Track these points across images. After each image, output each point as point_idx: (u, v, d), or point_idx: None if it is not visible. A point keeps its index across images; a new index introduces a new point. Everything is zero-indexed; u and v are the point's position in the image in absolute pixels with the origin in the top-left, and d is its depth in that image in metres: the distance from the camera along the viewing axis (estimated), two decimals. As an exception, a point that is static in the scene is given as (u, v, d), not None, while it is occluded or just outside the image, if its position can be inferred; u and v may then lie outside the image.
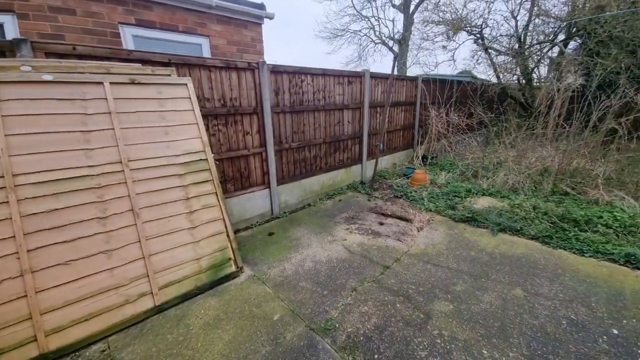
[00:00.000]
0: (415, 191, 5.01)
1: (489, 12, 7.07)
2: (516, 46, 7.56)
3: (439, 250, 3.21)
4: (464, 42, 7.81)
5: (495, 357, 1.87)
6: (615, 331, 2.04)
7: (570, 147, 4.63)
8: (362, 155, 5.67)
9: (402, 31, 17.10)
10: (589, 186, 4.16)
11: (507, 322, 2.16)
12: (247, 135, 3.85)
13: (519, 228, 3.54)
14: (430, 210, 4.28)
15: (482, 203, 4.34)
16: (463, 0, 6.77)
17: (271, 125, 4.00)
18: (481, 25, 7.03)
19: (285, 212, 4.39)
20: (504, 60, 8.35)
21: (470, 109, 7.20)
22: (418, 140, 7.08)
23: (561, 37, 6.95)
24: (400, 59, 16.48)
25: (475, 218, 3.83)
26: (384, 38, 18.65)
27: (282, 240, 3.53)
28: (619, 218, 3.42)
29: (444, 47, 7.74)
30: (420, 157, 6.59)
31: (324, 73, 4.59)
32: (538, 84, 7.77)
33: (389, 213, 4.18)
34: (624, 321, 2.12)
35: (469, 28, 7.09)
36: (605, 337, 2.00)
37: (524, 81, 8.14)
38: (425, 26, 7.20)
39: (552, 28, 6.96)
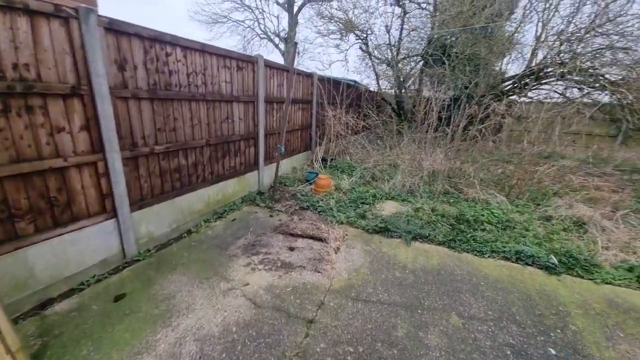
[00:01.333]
0: (322, 199, 4.46)
1: (369, 25, 7.43)
2: (392, 56, 8.29)
3: (364, 278, 2.67)
4: (352, 45, 7.90)
5: None
6: (553, 351, 1.94)
7: (446, 150, 5.17)
8: (259, 160, 4.69)
9: (287, 30, 16.82)
10: (467, 185, 4.67)
11: (462, 371, 1.76)
12: (60, 134, 2.22)
13: (427, 234, 3.46)
14: (342, 223, 3.79)
15: (388, 209, 4.19)
16: (352, 4, 6.89)
17: (112, 116, 2.48)
18: (367, 31, 7.34)
19: (149, 251, 2.92)
20: (382, 69, 9.10)
21: (364, 111, 7.39)
22: (316, 142, 6.68)
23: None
24: (287, 56, 16.15)
25: (388, 228, 3.56)
26: (269, 33, 17.91)
27: (140, 307, 2.17)
28: (496, 215, 3.85)
29: (337, 46, 7.70)
30: (320, 159, 6.17)
31: (203, 49, 3.34)
32: (409, 93, 8.82)
33: (299, 232, 3.41)
34: (552, 334, 2.09)
35: (357, 32, 7.27)
36: (547, 362, 1.87)
37: (397, 90, 9.09)
38: (320, 19, 6.96)
39: (419, 44, 8.03)
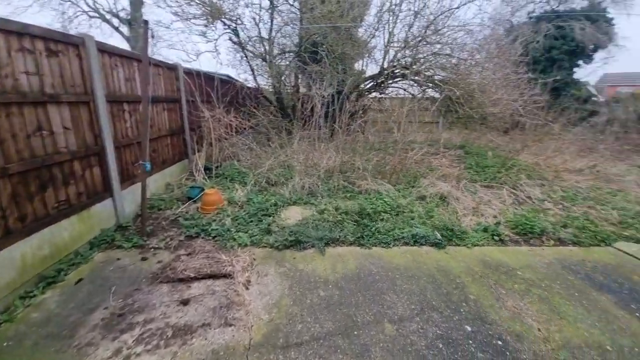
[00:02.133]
0: (214, 220, 3.68)
1: (237, 14, 6.74)
2: (266, 50, 7.92)
3: (288, 312, 2.24)
4: (221, 34, 6.98)
5: None
6: (469, 328, 2.13)
7: (336, 146, 5.32)
8: (111, 183, 3.38)
9: (130, 10, 13.51)
10: (358, 178, 4.93)
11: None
12: None
13: (337, 237, 3.37)
14: (246, 245, 3.19)
15: (293, 216, 3.88)
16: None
17: None
18: (236, 20, 6.60)
19: None
20: (257, 64, 8.59)
21: (248, 110, 6.70)
22: (194, 148, 5.57)
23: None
24: (135, 43, 13.03)
25: (299, 239, 3.24)
26: (102, 11, 13.98)
27: None
28: (388, 203, 4.19)
29: (204, 34, 6.57)
30: (201, 169, 5.17)
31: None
32: (288, 90, 8.73)
33: (192, 274, 2.60)
34: (462, 310, 2.31)
35: (225, 19, 6.42)
36: (470, 341, 2.02)
37: (276, 87, 8.86)
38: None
39: (292, 41, 7.98)
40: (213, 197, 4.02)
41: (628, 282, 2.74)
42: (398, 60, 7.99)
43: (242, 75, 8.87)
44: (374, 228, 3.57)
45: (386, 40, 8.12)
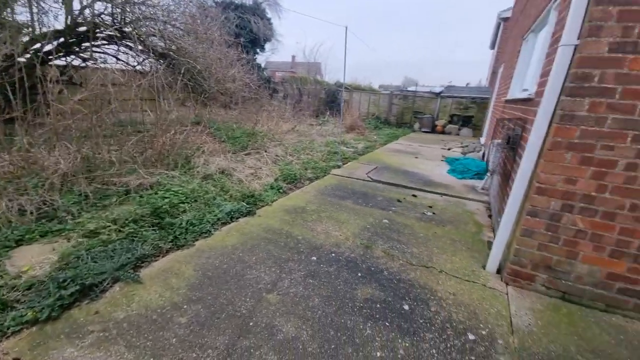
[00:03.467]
0: None
1: None
2: None
3: (160, 370, 1.56)
4: None
5: None
6: (314, 258, 2.69)
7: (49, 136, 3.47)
8: None
9: None
10: (119, 175, 3.70)
11: (321, 322, 1.96)
12: None
13: (148, 252, 2.55)
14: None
15: (37, 262, 2.29)
16: None
17: None
18: None
19: None
20: None
21: None
22: None
23: None
24: None
25: (85, 288, 2.08)
26: None
27: None
28: (181, 192, 3.63)
29: None
30: None
31: None
32: None
33: None
34: (301, 249, 2.82)
35: None
36: (314, 257, 2.59)
37: None
38: None
39: None
40: None
41: (351, 191, 4.66)
42: (97, 15, 6.09)
43: None
44: (182, 223, 3.06)
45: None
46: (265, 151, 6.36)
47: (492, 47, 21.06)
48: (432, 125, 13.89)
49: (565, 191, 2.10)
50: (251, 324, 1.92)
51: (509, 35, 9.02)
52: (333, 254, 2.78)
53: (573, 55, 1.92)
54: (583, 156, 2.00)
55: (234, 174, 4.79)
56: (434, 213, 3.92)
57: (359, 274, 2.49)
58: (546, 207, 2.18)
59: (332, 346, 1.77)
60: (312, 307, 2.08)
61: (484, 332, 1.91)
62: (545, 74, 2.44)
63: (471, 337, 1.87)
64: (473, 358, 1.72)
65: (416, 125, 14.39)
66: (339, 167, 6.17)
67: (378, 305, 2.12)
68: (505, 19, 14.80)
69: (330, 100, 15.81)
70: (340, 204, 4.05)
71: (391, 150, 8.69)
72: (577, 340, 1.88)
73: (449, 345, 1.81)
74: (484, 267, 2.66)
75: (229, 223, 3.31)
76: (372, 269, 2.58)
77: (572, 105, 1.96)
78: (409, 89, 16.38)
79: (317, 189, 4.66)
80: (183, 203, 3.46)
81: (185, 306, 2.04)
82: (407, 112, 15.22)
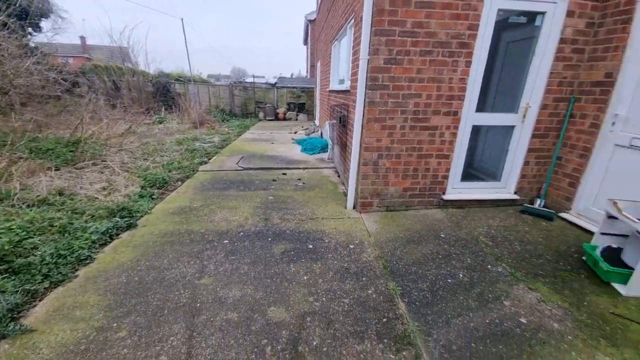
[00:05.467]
0: None
1: None
2: None
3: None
4: None
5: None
6: (225, 242, 3.00)
7: None
8: None
9: None
10: None
11: (256, 279, 2.45)
12: None
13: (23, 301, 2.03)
14: None
15: None
16: None
17: None
18: None
19: None
20: None
21: None
22: None
23: None
24: None
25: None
26: None
27: None
28: (19, 226, 2.76)
29: None
30: None
31: None
32: None
33: None
34: (204, 247, 3.03)
35: None
36: (227, 240, 2.95)
37: None
38: None
39: None
40: None
41: (229, 181, 4.92)
42: None
43: None
44: (45, 258, 2.49)
45: None
46: (105, 160, 5.36)
47: (305, 43, 24.80)
48: (275, 114, 15.37)
49: (377, 147, 3.50)
50: (198, 304, 2.14)
51: (318, 38, 11.27)
52: (241, 233, 3.19)
53: (368, 65, 3.20)
54: (382, 125, 3.42)
55: (79, 192, 3.94)
56: (303, 183, 4.95)
57: (269, 239, 3.08)
58: (370, 158, 3.54)
59: (273, 287, 2.33)
60: (245, 273, 2.52)
61: (357, 241, 3.04)
62: (354, 74, 3.76)
63: (351, 246, 2.94)
64: (355, 255, 2.77)
65: (261, 115, 15.42)
66: (205, 162, 6.14)
67: (292, 252, 2.83)
68: (312, 21, 17.89)
69: (162, 95, 14.06)
70: (225, 194, 4.33)
71: (248, 139, 9.23)
72: (397, 226, 3.35)
73: (342, 254, 2.79)
74: (345, 207, 3.89)
75: (110, 242, 2.96)
76: (277, 232, 3.22)
77: (372, 95, 3.28)
78: (247, 80, 17.04)
79: (195, 187, 4.64)
80: (28, 238, 2.71)
81: (115, 324, 1.96)
82: (249, 103, 15.93)
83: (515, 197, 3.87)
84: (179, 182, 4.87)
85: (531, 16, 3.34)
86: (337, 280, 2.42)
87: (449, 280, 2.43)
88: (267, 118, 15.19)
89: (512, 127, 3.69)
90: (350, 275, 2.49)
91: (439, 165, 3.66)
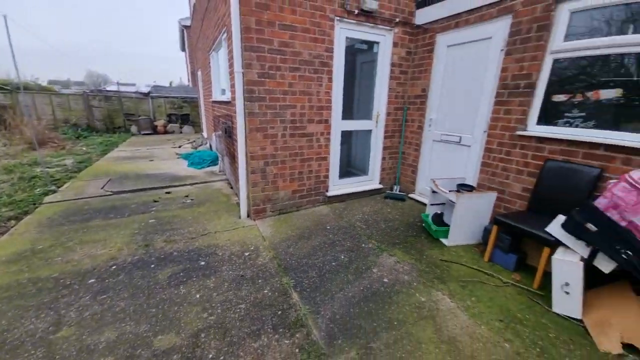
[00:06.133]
0: None
1: None
2: None
3: None
4: None
5: (193, 297, 2.39)
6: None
7: None
8: None
9: None
10: None
11: (138, 312, 2.18)
12: None
13: None
14: None
15: None
16: None
17: None
18: None
19: None
20: None
21: None
22: None
23: None
24: None
25: None
26: None
27: None
28: None
29: None
30: None
31: None
32: None
33: None
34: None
35: None
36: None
37: None
38: None
39: None
40: None
41: (93, 210, 4.08)
42: None
43: None
44: None
45: None
46: None
47: (183, 49, 22.92)
48: (153, 127, 13.52)
49: (263, 154, 3.68)
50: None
51: (196, 46, 10.68)
52: (114, 267, 2.74)
53: (243, 78, 3.34)
54: (264, 134, 3.62)
55: None
56: (192, 200, 4.63)
57: (152, 266, 2.77)
58: (258, 166, 3.68)
59: (160, 315, 2.14)
60: (121, 309, 2.20)
61: (252, 247, 3.11)
62: (233, 86, 3.83)
63: (247, 253, 3.00)
64: (251, 261, 2.85)
65: (134, 129, 13.27)
66: (54, 192, 4.87)
67: (181, 274, 2.64)
68: (187, 27, 16.73)
69: (-30, 107, 10.19)
70: (88, 226, 3.59)
71: (117, 158, 7.81)
72: (290, 227, 3.61)
73: (237, 263, 2.80)
74: (239, 217, 3.89)
75: None
76: (162, 256, 2.93)
77: (251, 106, 3.44)
78: (110, 88, 14.34)
79: (39, 224, 3.64)
80: None
81: None
82: (116, 115, 13.45)
83: (380, 186, 4.79)
84: (13, 221, 3.71)
85: (370, 44, 4.26)
86: (233, 289, 2.44)
87: (333, 263, 2.83)
88: (143, 132, 13.19)
89: (370, 130, 4.57)
90: (246, 281, 2.55)
91: (319, 167, 4.15)
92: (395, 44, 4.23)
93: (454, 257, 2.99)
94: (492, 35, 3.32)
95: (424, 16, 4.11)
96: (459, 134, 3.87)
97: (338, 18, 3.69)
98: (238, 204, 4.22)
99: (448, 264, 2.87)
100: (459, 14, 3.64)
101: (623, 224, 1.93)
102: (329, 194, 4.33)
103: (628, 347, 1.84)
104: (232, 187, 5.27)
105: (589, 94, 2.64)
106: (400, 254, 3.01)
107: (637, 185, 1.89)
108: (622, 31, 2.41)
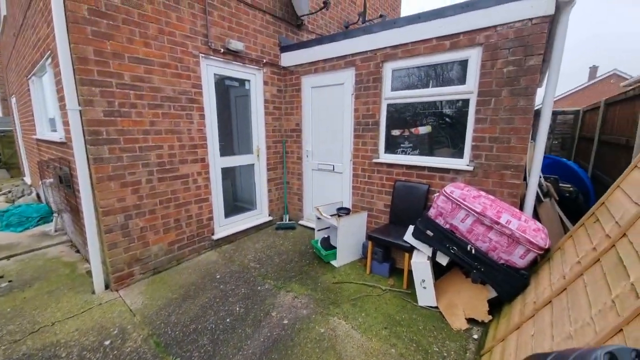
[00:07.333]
0: None
1: None
2: None
3: None
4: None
5: None
6: None
7: None
8: None
9: None
10: None
11: None
12: None
13: None
14: None
15: None
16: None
17: None
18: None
19: None
20: None
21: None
22: None
23: None
24: None
25: None
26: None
27: None
28: None
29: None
30: None
31: None
32: None
33: None
34: None
35: None
36: None
37: None
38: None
39: None
40: None
41: None
42: None
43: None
44: None
45: None
46: None
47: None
48: None
49: (122, 207, 3.00)
50: None
51: (8, 66, 7.95)
52: None
53: (82, 117, 2.67)
54: (122, 182, 2.98)
55: None
56: (10, 281, 3.23)
57: None
58: (116, 222, 2.97)
59: None
60: None
61: (116, 331, 2.41)
62: (67, 124, 3.00)
63: (107, 341, 2.29)
64: (115, 351, 2.19)
65: None
66: None
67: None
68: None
69: None
70: None
71: None
72: (170, 288, 3.04)
73: (93, 363, 2.10)
74: (93, 292, 2.98)
75: None
76: (-57, 394, 1.86)
77: (97, 151, 2.78)
78: None
79: None
80: None
81: None
82: None
83: (270, 218, 4.77)
84: None
85: (242, 81, 4.31)
86: (87, 404, 1.79)
87: (228, 320, 2.54)
88: None
89: (253, 164, 4.54)
90: (108, 384, 1.93)
91: (200, 210, 3.75)
92: (265, 83, 4.44)
93: (344, 276, 3.26)
94: (344, 82, 3.99)
95: (288, 59, 4.53)
96: (332, 162, 4.36)
97: (203, 55, 3.56)
98: (89, 274, 3.24)
99: (339, 285, 3.10)
100: (316, 61, 4.21)
101: (447, 226, 2.61)
102: (216, 237, 3.95)
103: (471, 321, 2.44)
104: (78, 251, 4.03)
105: (412, 130, 3.54)
106: (297, 288, 3.03)
107: (450, 197, 2.61)
108: (426, 85, 3.38)
